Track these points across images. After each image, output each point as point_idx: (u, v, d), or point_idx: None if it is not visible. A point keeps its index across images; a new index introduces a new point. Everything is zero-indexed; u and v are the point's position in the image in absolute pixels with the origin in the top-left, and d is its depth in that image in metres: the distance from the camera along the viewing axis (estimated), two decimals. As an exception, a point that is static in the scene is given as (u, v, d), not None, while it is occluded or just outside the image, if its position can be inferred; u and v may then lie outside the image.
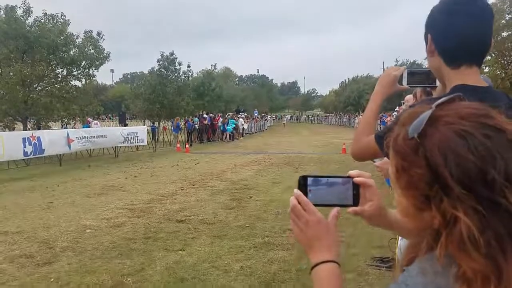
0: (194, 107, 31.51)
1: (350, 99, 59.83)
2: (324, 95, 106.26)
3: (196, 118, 26.23)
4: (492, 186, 0.62)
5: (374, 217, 0.97)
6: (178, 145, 21.02)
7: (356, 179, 0.94)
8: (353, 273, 4.58)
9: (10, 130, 17.57)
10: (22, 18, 18.52)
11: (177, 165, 14.40)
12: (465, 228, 0.62)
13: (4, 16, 18.42)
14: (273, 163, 14.61)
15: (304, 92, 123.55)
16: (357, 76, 68.53)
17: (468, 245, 0.62)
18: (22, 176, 12.11)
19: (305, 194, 0.93)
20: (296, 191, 0.93)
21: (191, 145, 22.14)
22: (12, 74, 17.38)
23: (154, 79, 27.64)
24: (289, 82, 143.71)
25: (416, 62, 52.08)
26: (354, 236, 5.73)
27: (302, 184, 0.94)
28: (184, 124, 25.06)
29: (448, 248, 0.65)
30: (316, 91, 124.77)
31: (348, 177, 0.95)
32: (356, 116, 50.35)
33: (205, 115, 27.52)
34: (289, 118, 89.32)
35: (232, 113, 32.78)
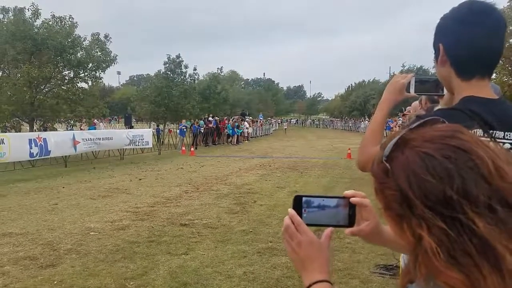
0: (200, 110, 31.57)
1: (356, 103, 59.72)
2: (329, 99, 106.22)
3: (202, 121, 26.27)
4: (451, 205, 0.64)
5: (371, 236, 0.98)
6: (183, 148, 21.05)
7: (353, 200, 0.94)
8: (357, 280, 4.55)
9: (16, 131, 17.71)
10: (30, 20, 18.71)
11: (182, 168, 14.41)
12: (428, 245, 0.65)
13: (12, 17, 18.61)
14: (278, 167, 14.59)
15: (310, 96, 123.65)
16: (363, 81, 68.47)
17: (434, 262, 0.64)
18: (28, 177, 12.18)
19: (300, 213, 0.93)
20: (291, 210, 0.93)
21: (196, 148, 22.17)
22: (19, 75, 17.56)
23: (160, 82, 27.75)
24: (295, 86, 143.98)
25: (423, 67, 51.93)
26: (358, 243, 5.70)
27: (297, 204, 0.94)
28: (190, 127, 25.11)
29: (426, 267, 0.67)
30: (322, 95, 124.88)
31: (344, 197, 0.94)
32: (362, 121, 50.29)
33: (210, 118, 27.57)
34: (294, 122, 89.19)
35: (237, 117, 32.81)
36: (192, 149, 20.85)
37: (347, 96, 67.76)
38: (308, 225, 0.92)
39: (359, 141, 1.57)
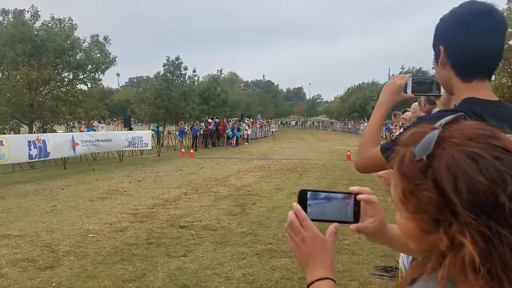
0: (199, 112, 31.54)
1: (355, 105, 59.78)
2: (329, 101, 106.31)
3: (203, 124, 26.25)
4: (502, 211, 0.60)
5: (375, 233, 0.96)
6: (183, 150, 21.04)
7: (360, 197, 0.92)
8: (356, 282, 4.53)
9: (15, 133, 17.68)
10: (30, 22, 18.69)
11: (181, 170, 14.39)
12: (468, 255, 0.60)
13: (12, 19, 18.61)
14: (277, 169, 14.58)
15: (310, 98, 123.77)
16: (363, 83, 68.53)
17: (469, 272, 0.61)
18: (27, 179, 12.15)
19: (305, 208, 0.91)
20: (295, 205, 0.91)
21: (195, 150, 22.15)
22: (19, 77, 17.53)
23: (160, 84, 27.76)
24: (295, 88, 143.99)
25: (422, 69, 52.02)
26: (357, 244, 5.69)
27: (302, 198, 0.92)
28: (190, 128, 25.08)
29: (451, 271, 0.63)
30: (321, 97, 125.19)
31: (349, 193, 0.93)
32: (361, 122, 50.32)
33: (209, 120, 27.55)
34: (294, 123, 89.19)
35: (236, 118, 32.80)
36: (192, 151, 20.83)
37: (347, 98, 67.81)
38: (312, 220, 0.90)
39: (358, 143, 1.56)
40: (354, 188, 0.93)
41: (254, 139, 34.73)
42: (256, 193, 9.67)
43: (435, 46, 1.27)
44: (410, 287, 0.72)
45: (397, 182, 0.70)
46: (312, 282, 0.88)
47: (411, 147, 0.68)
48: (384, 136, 26.58)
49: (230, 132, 27.35)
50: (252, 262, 5.14)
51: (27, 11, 18.80)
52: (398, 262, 3.56)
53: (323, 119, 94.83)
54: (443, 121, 0.69)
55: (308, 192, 0.92)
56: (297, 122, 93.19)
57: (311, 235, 0.89)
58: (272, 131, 43.16)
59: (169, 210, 7.97)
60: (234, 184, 11.11)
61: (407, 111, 5.78)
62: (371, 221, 0.94)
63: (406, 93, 1.55)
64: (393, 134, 18.64)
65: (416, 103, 4.17)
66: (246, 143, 29.94)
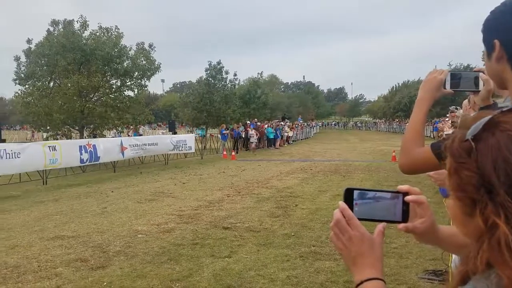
0: (240, 115, 31.87)
1: (400, 104, 58.06)
2: (372, 101, 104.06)
3: (242, 127, 26.45)
4: None
5: (425, 234, 0.94)
6: (225, 153, 21.30)
7: (408, 198, 0.90)
8: (405, 286, 4.41)
9: (67, 139, 18.58)
10: (79, 32, 19.62)
11: (224, 172, 14.57)
12: (503, 235, 0.62)
13: (62, 30, 19.61)
14: (319, 170, 14.44)
15: (352, 98, 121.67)
16: (408, 81, 66.51)
17: (505, 252, 0.61)
18: (79, 182, 12.74)
19: (351, 207, 0.89)
20: (341, 203, 0.89)
21: (237, 153, 22.36)
22: (70, 85, 18.42)
23: (202, 88, 28.33)
24: (336, 88, 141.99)
25: (470, 65, 49.86)
26: (405, 247, 5.52)
27: (348, 197, 0.90)
28: (230, 131, 25.38)
29: (489, 256, 0.64)
30: (364, 97, 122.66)
31: (397, 192, 0.91)
32: (407, 122, 48.90)
33: (247, 122, 27.70)
34: (334, 124, 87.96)
35: (276, 120, 32.80)
36: (233, 153, 21.05)
37: (391, 97, 66.03)
38: (359, 219, 0.89)
39: (401, 148, 1.51)
40: (403, 187, 0.91)
41: (295, 140, 34.57)
42: (298, 195, 9.63)
43: (487, 40, 1.22)
44: None
45: (447, 160, 0.73)
46: (361, 282, 0.86)
47: (466, 130, 0.71)
48: (432, 136, 25.62)
49: (272, 135, 27.22)
50: (296, 264, 5.12)
51: (77, 21, 19.78)
52: (448, 266, 3.43)
53: (366, 119, 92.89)
54: (506, 108, 0.71)
55: (354, 190, 0.91)
56: (338, 122, 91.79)
57: (358, 235, 0.88)
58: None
59: (212, 211, 8.09)
60: (276, 186, 11.12)
61: (457, 109, 5.56)
62: (421, 221, 0.92)
63: (445, 88, 1.49)
64: (441, 133, 17.96)
65: (466, 100, 4.01)
66: (285, 145, 29.77)
